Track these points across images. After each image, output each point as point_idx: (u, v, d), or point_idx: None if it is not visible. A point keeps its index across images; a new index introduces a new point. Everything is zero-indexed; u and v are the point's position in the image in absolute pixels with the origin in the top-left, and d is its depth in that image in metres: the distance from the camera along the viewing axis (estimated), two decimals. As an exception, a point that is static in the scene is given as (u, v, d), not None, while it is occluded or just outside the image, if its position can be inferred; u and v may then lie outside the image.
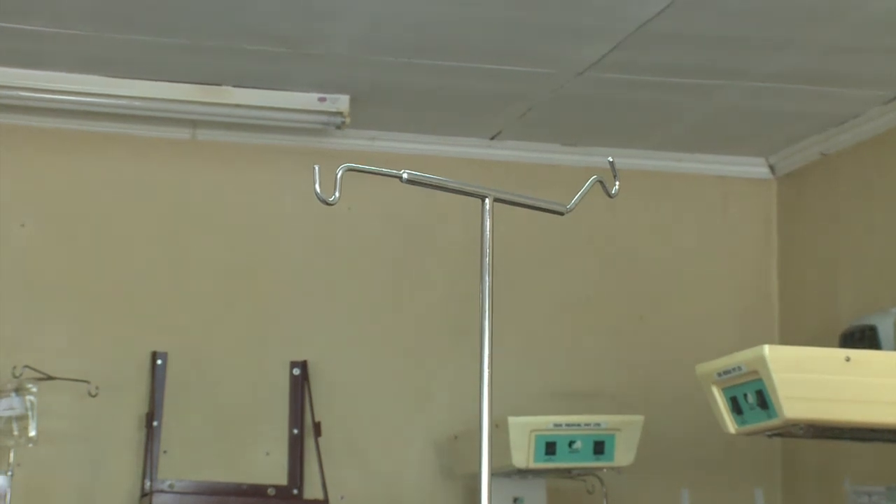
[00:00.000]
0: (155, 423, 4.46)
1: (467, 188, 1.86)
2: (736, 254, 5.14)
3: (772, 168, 5.17)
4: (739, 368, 3.42)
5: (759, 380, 3.35)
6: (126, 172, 4.68)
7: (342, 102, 4.50)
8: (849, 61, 4.11)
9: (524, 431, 4.16)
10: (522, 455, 4.16)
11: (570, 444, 4.21)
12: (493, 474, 1.77)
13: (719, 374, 3.51)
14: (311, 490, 4.51)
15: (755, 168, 5.16)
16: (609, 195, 1.88)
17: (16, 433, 4.16)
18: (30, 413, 4.16)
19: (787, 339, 4.94)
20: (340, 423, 4.57)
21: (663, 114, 4.68)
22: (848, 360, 3.34)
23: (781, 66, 4.15)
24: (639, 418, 4.27)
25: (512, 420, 4.15)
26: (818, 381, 3.32)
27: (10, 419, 4.17)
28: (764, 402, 3.36)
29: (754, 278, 5.13)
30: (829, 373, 3.33)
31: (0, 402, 4.18)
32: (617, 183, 1.88)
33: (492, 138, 4.94)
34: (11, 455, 4.18)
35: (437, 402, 4.75)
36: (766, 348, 3.34)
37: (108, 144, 4.66)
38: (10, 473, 4.17)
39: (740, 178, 5.17)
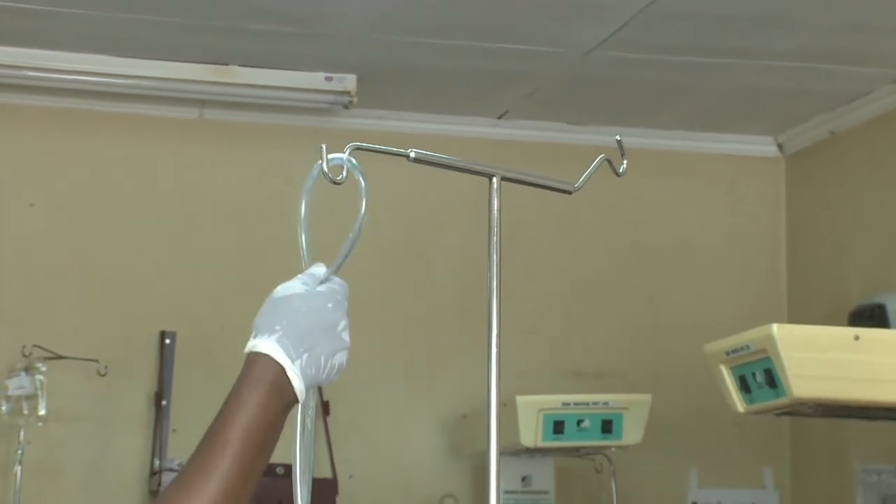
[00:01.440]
0: (164, 402, 4.47)
1: (475, 167, 1.85)
2: (744, 233, 5.14)
3: (780, 147, 5.16)
4: (748, 347, 3.42)
5: (768, 358, 3.35)
6: (134, 152, 4.69)
7: (349, 82, 4.49)
8: (858, 39, 4.09)
9: (532, 410, 4.17)
10: (531, 434, 4.17)
11: (579, 422, 4.22)
12: (502, 453, 1.77)
13: (727, 353, 3.51)
14: (320, 469, 4.51)
15: (764, 147, 5.15)
16: (617, 174, 1.87)
17: (26, 412, 4.18)
18: (39, 392, 4.17)
19: (795, 317, 4.94)
20: (349, 403, 4.57)
21: (671, 93, 4.67)
22: (857, 338, 3.34)
23: (790, 44, 4.14)
24: (647, 397, 4.27)
25: (520, 399, 4.16)
26: (827, 360, 3.32)
27: (19, 398, 4.19)
28: (772, 380, 3.36)
29: (763, 257, 5.12)
30: (838, 351, 3.33)
31: (10, 381, 4.19)
32: (625, 161, 1.87)
33: (499, 117, 4.93)
34: (22, 433, 4.19)
35: (446, 381, 4.76)
36: (775, 327, 3.34)
37: (116, 124, 4.66)
38: (20, 452, 4.19)
39: (749, 157, 5.16)
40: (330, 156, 1.71)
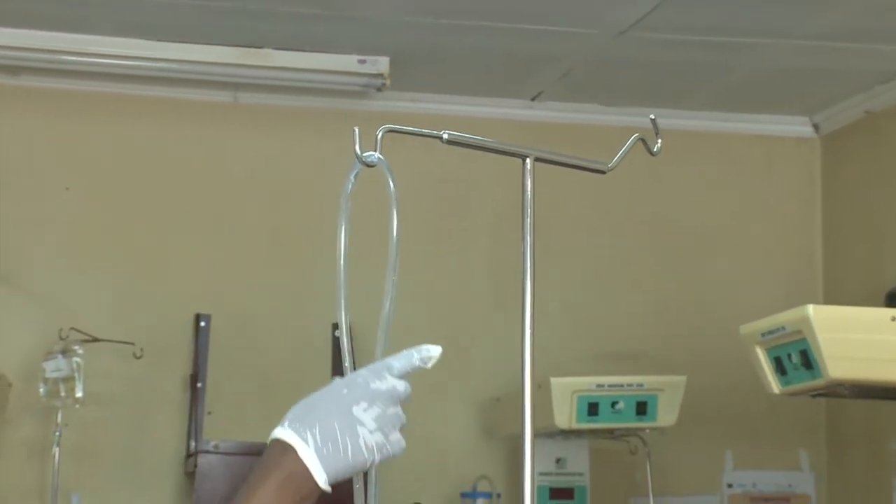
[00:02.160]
0: (199, 385, 4.49)
1: (508, 148, 1.85)
2: (780, 214, 5.11)
3: (816, 127, 5.13)
4: (783, 329, 3.41)
5: (804, 340, 3.33)
6: (168, 136, 4.70)
7: (382, 64, 4.49)
8: (893, 18, 4.06)
9: (567, 392, 4.17)
10: (565, 416, 4.17)
11: (613, 404, 4.21)
12: (536, 435, 1.78)
13: (763, 335, 3.50)
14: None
15: (799, 127, 5.12)
16: (651, 153, 1.86)
17: (63, 394, 4.21)
18: (76, 374, 4.20)
19: (831, 299, 4.91)
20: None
21: (705, 74, 4.65)
22: (894, 319, 3.32)
23: (825, 23, 4.11)
24: (681, 379, 4.26)
25: (554, 381, 4.16)
26: (863, 341, 3.30)
27: (57, 380, 4.22)
28: (808, 362, 3.35)
29: (798, 238, 5.10)
30: (874, 332, 3.31)
31: (47, 364, 4.22)
32: (659, 141, 1.86)
33: (532, 99, 4.92)
34: (59, 416, 4.23)
35: (479, 363, 4.76)
36: (811, 308, 3.32)
37: (151, 108, 4.68)
38: (58, 434, 4.22)
39: (784, 138, 5.13)
40: (365, 153, 1.71)
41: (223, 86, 4.68)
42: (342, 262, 1.73)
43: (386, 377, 1.63)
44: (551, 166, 1.86)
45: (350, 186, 1.72)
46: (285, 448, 1.52)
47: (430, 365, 1.70)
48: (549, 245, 4.58)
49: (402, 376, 1.65)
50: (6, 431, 4.34)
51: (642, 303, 4.94)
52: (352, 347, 1.76)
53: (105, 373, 4.41)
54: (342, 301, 1.73)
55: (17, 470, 4.38)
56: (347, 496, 1.64)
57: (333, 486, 1.52)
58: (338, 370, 4.58)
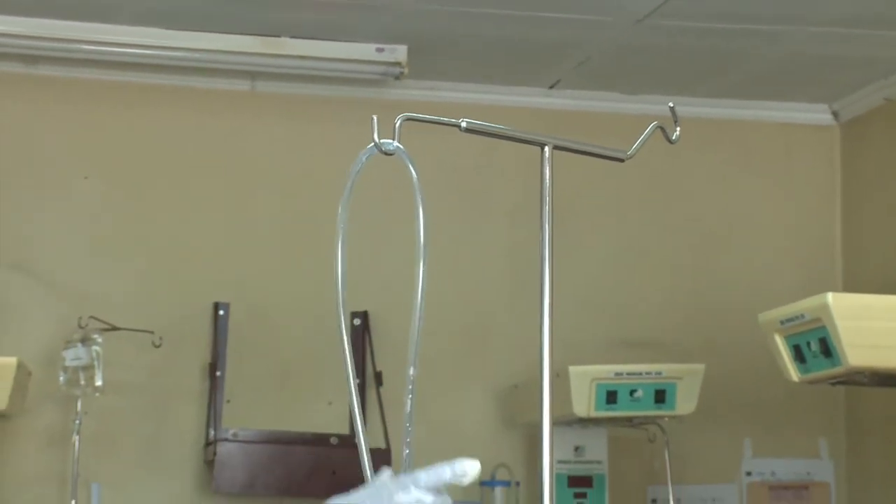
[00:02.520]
0: (218, 373, 4.51)
1: (526, 136, 1.85)
2: (799, 201, 5.10)
3: (835, 114, 5.11)
4: (802, 316, 3.41)
5: (823, 327, 3.33)
6: (187, 124, 4.71)
7: (400, 53, 4.49)
8: (914, 4, 4.04)
9: (585, 380, 4.17)
10: (583, 404, 4.17)
11: (632, 392, 4.21)
12: (555, 423, 1.78)
13: (782, 323, 3.50)
14: (374, 439, 4.54)
15: (818, 115, 5.10)
16: (670, 141, 1.86)
17: (83, 383, 4.22)
18: (96, 363, 4.22)
19: (850, 286, 4.90)
20: (401, 373, 4.57)
21: (723, 61, 4.63)
22: (913, 307, 3.31)
23: (844, 10, 4.09)
24: (700, 367, 4.26)
25: (573, 369, 4.16)
26: (883, 329, 3.29)
27: (76, 369, 4.23)
28: (827, 349, 3.34)
29: (817, 226, 5.08)
30: (894, 320, 3.30)
31: (67, 352, 4.24)
32: (678, 129, 1.86)
33: (550, 87, 4.91)
34: (79, 404, 4.24)
35: (498, 351, 4.76)
36: (830, 296, 3.32)
37: (169, 97, 4.69)
38: (77, 422, 4.24)
39: (803, 125, 5.11)
40: (383, 141, 1.71)
41: (241, 75, 4.68)
42: (341, 239, 1.72)
43: (410, 490, 1.55)
44: (570, 154, 1.86)
45: (359, 166, 1.73)
46: None
47: (466, 482, 1.58)
48: (568, 233, 4.58)
49: (433, 489, 1.55)
50: (26, 420, 4.36)
51: (661, 291, 4.93)
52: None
53: (124, 361, 4.42)
54: (339, 276, 1.72)
55: (37, 458, 4.40)
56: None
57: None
58: (356, 358, 4.58)
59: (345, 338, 1.65)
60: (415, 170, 1.68)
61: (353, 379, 1.59)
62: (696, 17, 4.17)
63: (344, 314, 1.73)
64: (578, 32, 4.33)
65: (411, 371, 1.63)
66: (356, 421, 1.65)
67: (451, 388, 4.72)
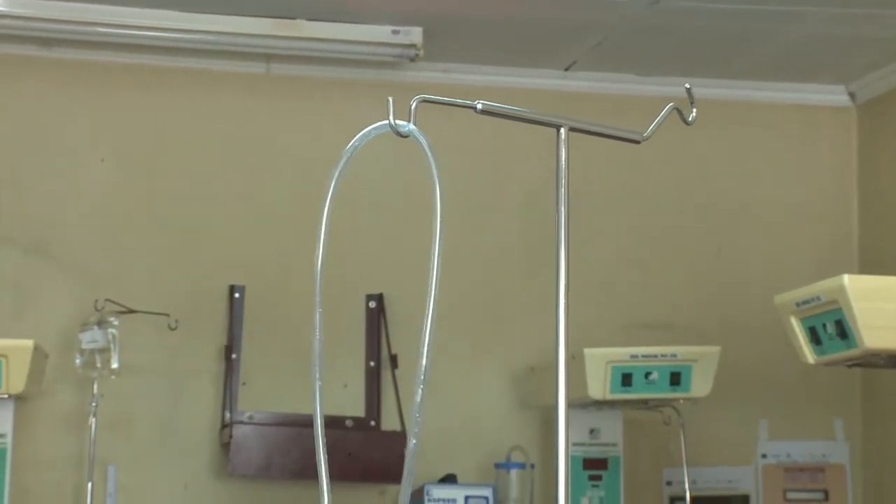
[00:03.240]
0: (234, 356, 4.52)
1: (542, 118, 1.85)
2: (815, 183, 5.08)
3: (852, 96, 5.09)
4: (818, 298, 3.40)
5: (839, 309, 3.32)
6: (202, 107, 4.71)
7: (415, 35, 4.48)
8: (932, -15, 4.02)
9: (600, 363, 4.17)
10: (599, 386, 4.17)
11: (647, 375, 4.21)
12: (570, 406, 1.78)
13: (798, 305, 3.49)
14: (389, 422, 4.55)
15: (835, 96, 5.08)
16: (686, 122, 1.86)
17: (99, 365, 4.24)
18: (112, 346, 4.23)
19: (867, 268, 4.88)
20: (416, 356, 4.58)
21: (740, 42, 4.61)
22: (930, 289, 3.30)
23: (862, -10, 4.07)
24: (715, 349, 4.26)
25: (588, 352, 4.16)
26: (899, 311, 3.28)
27: (93, 351, 4.25)
28: (843, 332, 3.34)
29: (834, 208, 5.07)
30: (910, 302, 3.29)
31: (83, 335, 4.25)
32: (694, 110, 1.86)
33: (566, 69, 4.90)
34: (95, 386, 4.26)
35: (514, 333, 4.76)
36: (846, 278, 3.31)
37: (184, 80, 4.69)
38: (94, 404, 4.25)
39: (820, 107, 5.09)
40: (399, 122, 1.71)
41: (256, 57, 4.68)
42: (327, 209, 1.71)
43: None
44: (585, 136, 1.85)
45: (361, 141, 1.72)
46: None
47: None
48: (583, 215, 4.56)
49: None
50: (43, 402, 4.37)
51: (676, 273, 4.92)
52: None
53: (140, 344, 4.43)
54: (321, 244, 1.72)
55: (54, 440, 4.42)
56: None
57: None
58: (372, 341, 4.59)
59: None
60: (429, 151, 1.67)
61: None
62: (712, -2, 4.16)
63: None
64: (594, 14, 4.32)
65: (423, 361, 1.63)
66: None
67: (466, 371, 4.73)
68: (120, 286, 4.44)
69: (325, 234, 1.72)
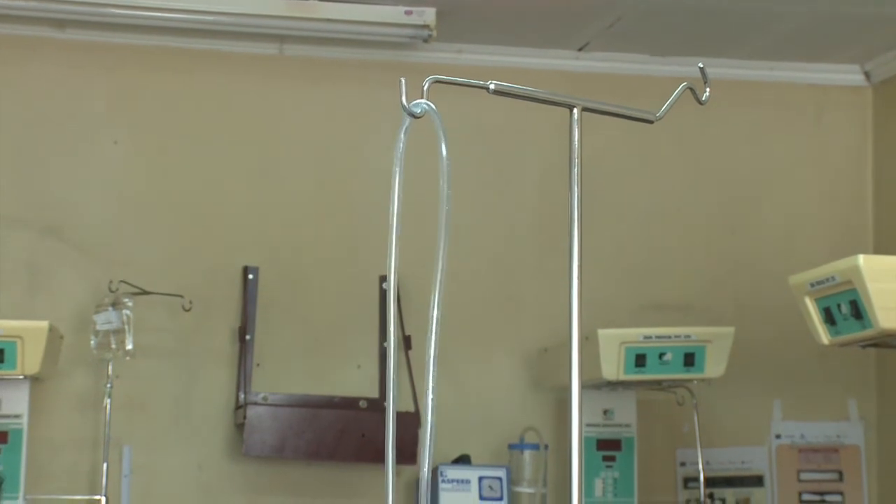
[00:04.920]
0: (248, 337, 4.52)
1: (555, 98, 1.84)
2: (830, 163, 5.06)
3: (867, 75, 5.06)
4: (833, 279, 3.39)
5: (854, 290, 3.31)
6: (215, 88, 4.71)
7: (429, 15, 4.47)
8: (948, -37, 4.00)
9: (614, 344, 4.17)
10: (612, 367, 4.17)
11: (661, 356, 4.21)
12: (583, 386, 1.78)
13: (812, 285, 3.48)
14: (402, 402, 4.55)
15: (850, 75, 5.06)
16: (700, 102, 1.85)
17: (114, 346, 4.25)
18: (126, 327, 4.24)
19: (882, 249, 4.87)
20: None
21: (754, 22, 4.59)
22: (945, 269, 3.29)
23: (878, -31, 4.05)
24: (729, 330, 4.25)
25: (602, 332, 4.15)
26: (914, 292, 3.27)
27: (107, 333, 4.25)
28: (858, 312, 3.33)
29: (849, 188, 5.05)
30: (926, 283, 3.28)
31: (98, 317, 4.26)
32: (708, 90, 1.85)
33: (579, 50, 4.89)
34: (110, 367, 4.27)
35: (527, 315, 4.76)
36: (861, 258, 3.30)
37: (197, 61, 4.69)
38: (109, 385, 4.26)
39: (835, 86, 5.07)
40: (411, 103, 1.70)
41: (269, 38, 4.67)
42: (395, 222, 1.70)
43: None
44: (599, 117, 1.85)
45: (402, 146, 1.71)
46: None
47: None
48: (597, 196, 4.56)
49: None
50: (58, 383, 4.39)
51: (690, 253, 4.91)
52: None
53: (155, 325, 4.44)
54: (393, 260, 1.70)
55: (70, 421, 4.44)
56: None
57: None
58: (385, 322, 4.59)
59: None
60: (443, 130, 1.66)
61: (391, 342, 1.59)
62: (726, -22, 4.14)
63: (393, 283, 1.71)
64: (607, -6, 4.30)
65: (432, 342, 1.63)
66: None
67: (480, 352, 4.73)
68: (134, 268, 4.45)
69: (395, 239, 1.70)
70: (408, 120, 1.71)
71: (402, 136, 1.71)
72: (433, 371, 1.64)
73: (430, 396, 1.58)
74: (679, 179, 4.95)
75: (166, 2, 4.38)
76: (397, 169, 1.71)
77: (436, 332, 1.65)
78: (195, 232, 4.62)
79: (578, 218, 1.81)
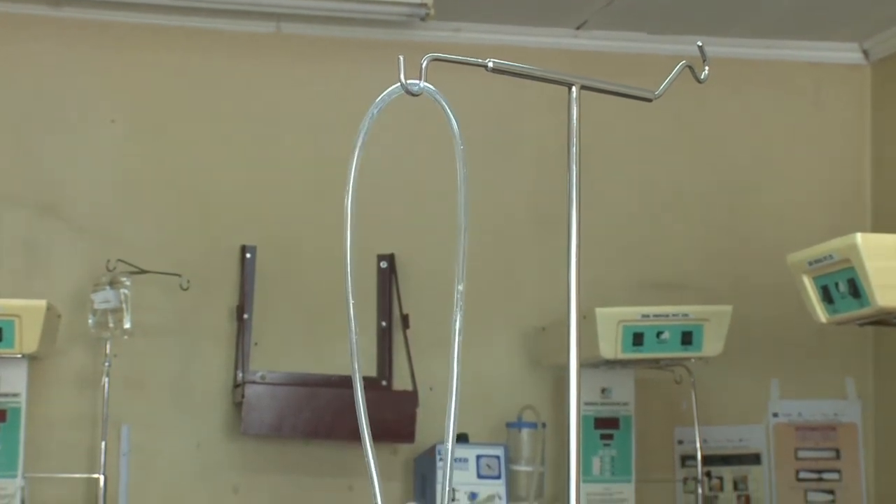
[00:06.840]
0: (245, 316, 4.52)
1: (553, 76, 1.84)
2: (828, 142, 5.06)
3: (865, 53, 5.05)
4: (831, 257, 3.39)
5: (851, 268, 3.31)
6: (212, 67, 4.70)
7: (426, -7, 4.46)
8: (947, -59, 3.98)
9: (612, 322, 4.17)
10: (610, 346, 4.17)
11: (658, 334, 4.21)
12: (581, 365, 1.78)
13: (810, 263, 3.48)
14: (400, 381, 4.56)
15: (848, 54, 5.05)
16: (698, 80, 1.84)
17: (111, 325, 4.25)
18: (124, 306, 4.24)
19: (879, 227, 4.87)
20: (428, 316, 4.59)
21: (753, 0, 4.58)
22: (943, 248, 3.29)
23: (877, -53, 4.04)
24: (727, 308, 4.25)
25: (600, 311, 4.16)
26: (912, 270, 3.27)
27: (105, 312, 4.25)
28: (856, 290, 3.33)
29: (847, 166, 5.05)
30: (923, 261, 3.28)
31: (96, 296, 4.26)
32: (706, 68, 1.84)
33: (577, 28, 4.87)
34: (108, 346, 4.27)
35: (525, 293, 4.76)
36: (859, 236, 3.29)
37: (194, 39, 4.68)
38: (107, 364, 4.26)
39: (833, 65, 5.06)
40: (410, 81, 1.70)
41: (266, 16, 4.66)
42: (352, 180, 1.70)
43: None
44: (597, 95, 1.84)
45: (377, 109, 1.70)
46: None
47: None
48: (595, 174, 4.56)
49: None
50: (56, 362, 4.39)
51: (688, 232, 4.91)
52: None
53: (152, 304, 4.44)
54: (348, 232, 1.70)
55: (68, 400, 4.44)
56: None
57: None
58: (383, 301, 4.59)
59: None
60: (448, 107, 1.66)
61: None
62: (724, -44, 4.13)
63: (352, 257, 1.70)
64: (606, -29, 4.29)
65: (458, 318, 1.63)
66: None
67: (478, 330, 4.72)
68: (132, 246, 4.45)
69: (351, 207, 1.69)
70: (399, 90, 1.70)
71: (385, 97, 1.70)
72: (458, 343, 1.65)
73: (456, 371, 1.59)
74: (677, 158, 4.95)
75: (163, -20, 4.37)
76: (359, 141, 1.71)
77: (461, 308, 1.65)
78: (193, 210, 4.62)
79: (577, 197, 1.81)
